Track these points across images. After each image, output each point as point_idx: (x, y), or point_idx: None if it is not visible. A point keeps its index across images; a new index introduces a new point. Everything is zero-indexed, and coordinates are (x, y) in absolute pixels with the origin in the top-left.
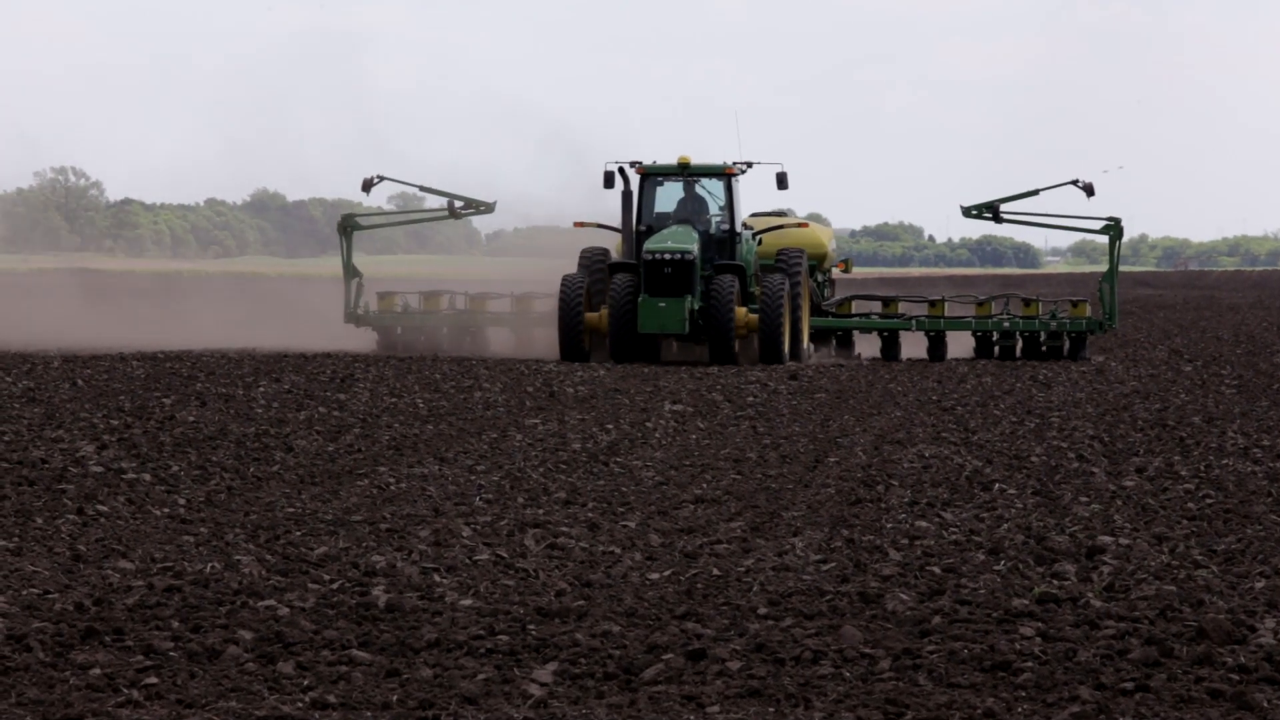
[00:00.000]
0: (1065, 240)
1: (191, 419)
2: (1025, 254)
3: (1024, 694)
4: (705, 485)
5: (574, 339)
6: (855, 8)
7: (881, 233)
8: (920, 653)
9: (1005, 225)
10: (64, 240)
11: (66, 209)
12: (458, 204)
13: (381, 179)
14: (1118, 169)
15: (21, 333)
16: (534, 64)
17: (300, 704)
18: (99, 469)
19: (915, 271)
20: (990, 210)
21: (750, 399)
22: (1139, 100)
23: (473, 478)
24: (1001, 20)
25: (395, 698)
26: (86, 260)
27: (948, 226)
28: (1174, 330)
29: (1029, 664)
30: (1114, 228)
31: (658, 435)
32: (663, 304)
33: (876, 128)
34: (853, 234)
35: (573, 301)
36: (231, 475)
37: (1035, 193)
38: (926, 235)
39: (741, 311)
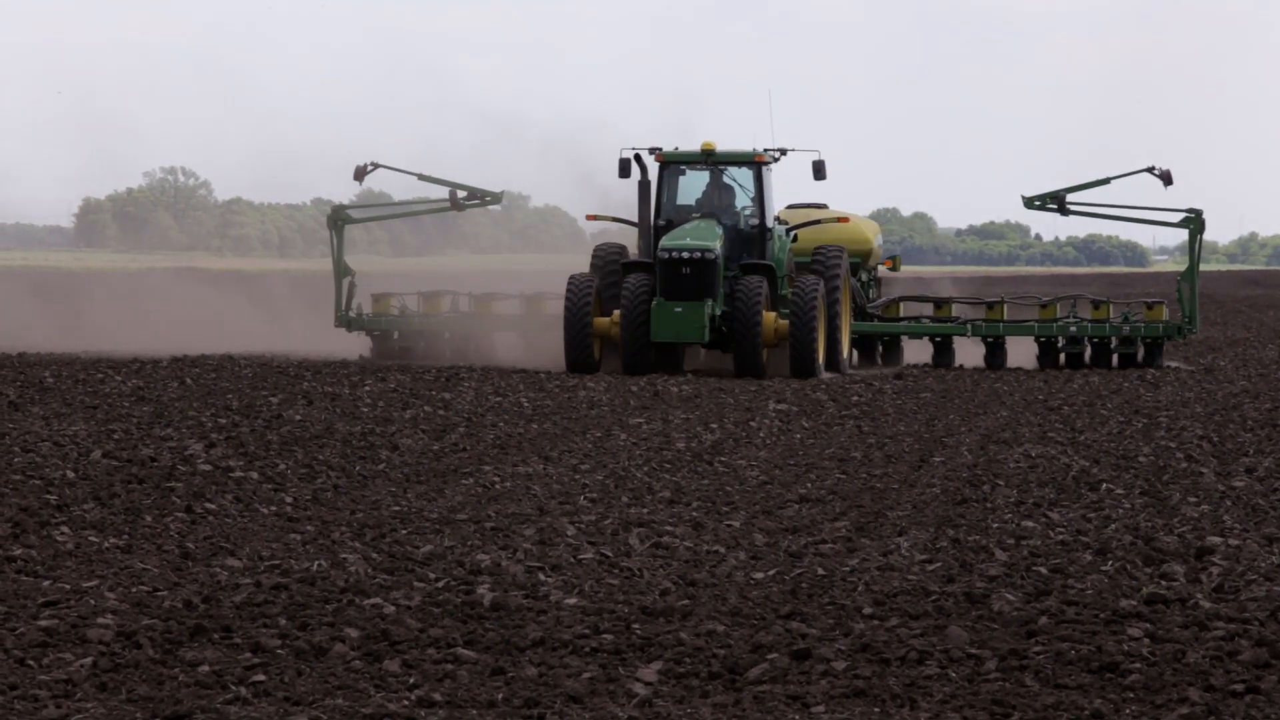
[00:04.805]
0: (1173, 238)
1: (298, 418)
2: (1132, 252)
3: (1132, 695)
4: (810, 485)
5: (581, 347)
6: (957, 3)
7: (987, 231)
8: (1027, 653)
9: (1100, 222)
10: (173, 239)
11: (175, 208)
12: (460, 194)
13: (376, 166)
14: None
15: (132, 331)
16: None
17: (406, 702)
18: (207, 467)
19: (1022, 270)
20: (1055, 200)
21: (855, 398)
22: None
23: (577, 477)
24: (1111, 14)
25: (500, 696)
26: (195, 259)
27: (1055, 225)
28: None
29: (1137, 665)
30: (1194, 220)
31: (762, 435)
32: (679, 309)
33: (984, 125)
34: (958, 233)
35: (580, 305)
36: (338, 474)
37: (1107, 181)
38: (1033, 234)
39: (770, 317)
